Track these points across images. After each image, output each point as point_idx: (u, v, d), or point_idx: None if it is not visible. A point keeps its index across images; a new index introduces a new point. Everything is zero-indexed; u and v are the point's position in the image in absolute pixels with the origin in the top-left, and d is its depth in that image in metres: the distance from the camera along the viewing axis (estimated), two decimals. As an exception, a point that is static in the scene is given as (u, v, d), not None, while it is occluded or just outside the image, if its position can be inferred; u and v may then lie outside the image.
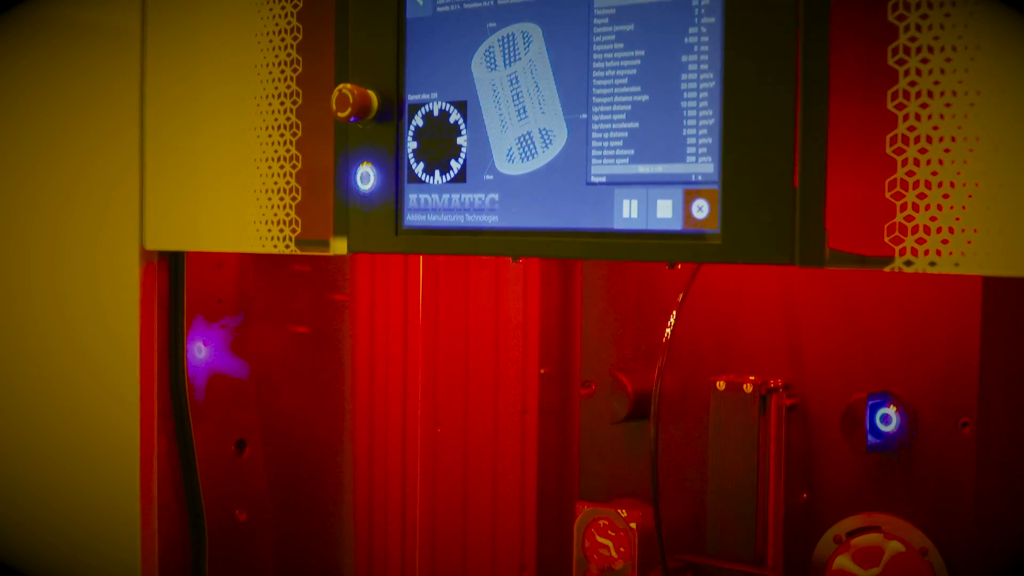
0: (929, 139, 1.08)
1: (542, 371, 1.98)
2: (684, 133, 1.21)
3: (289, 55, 1.48)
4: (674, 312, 1.48)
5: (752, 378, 1.50)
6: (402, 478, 1.91)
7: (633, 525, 1.57)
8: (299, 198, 1.47)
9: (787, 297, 1.51)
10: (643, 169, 1.24)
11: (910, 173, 1.09)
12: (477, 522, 1.96)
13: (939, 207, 1.07)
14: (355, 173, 1.42)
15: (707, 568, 1.53)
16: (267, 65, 1.50)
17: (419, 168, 1.37)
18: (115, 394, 1.67)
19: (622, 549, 1.58)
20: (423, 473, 1.89)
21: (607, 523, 1.60)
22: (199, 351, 1.71)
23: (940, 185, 1.07)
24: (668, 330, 1.48)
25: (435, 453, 1.91)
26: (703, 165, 1.20)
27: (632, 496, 1.63)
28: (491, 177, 1.33)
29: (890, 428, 1.42)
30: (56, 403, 1.75)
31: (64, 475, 1.75)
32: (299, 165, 1.47)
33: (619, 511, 1.58)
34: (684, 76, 1.21)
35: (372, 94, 1.38)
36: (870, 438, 1.42)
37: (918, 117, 1.08)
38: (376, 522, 1.95)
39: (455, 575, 1.95)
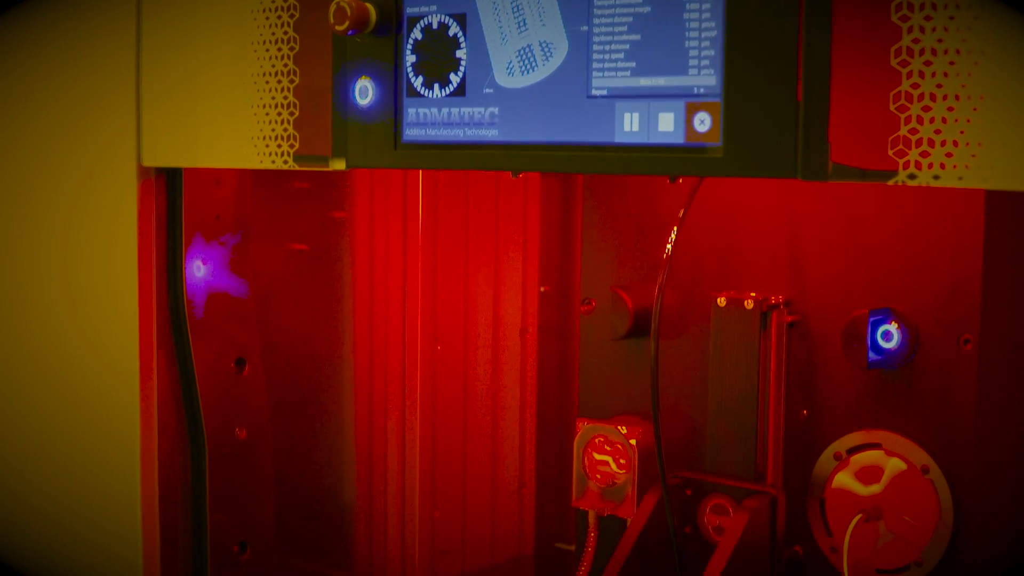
0: (934, 52, 1.06)
1: (542, 289, 1.98)
2: (686, 46, 1.20)
3: (286, -32, 1.47)
4: (675, 228, 1.47)
5: (753, 294, 1.49)
6: (402, 396, 1.91)
7: (633, 442, 1.57)
8: (297, 113, 1.46)
9: (789, 213, 1.50)
10: (644, 82, 1.22)
11: (915, 86, 1.07)
12: (477, 440, 1.97)
13: (943, 120, 1.06)
14: (353, 87, 1.40)
15: (707, 484, 1.53)
16: (264, -22, 1.48)
17: (418, 82, 1.36)
18: (114, 312, 1.66)
19: (622, 465, 1.58)
20: (423, 391, 1.89)
21: (607, 440, 1.60)
22: (198, 269, 1.70)
23: (944, 98, 1.06)
24: (669, 246, 1.47)
25: (435, 371, 1.91)
26: (705, 78, 1.19)
27: (632, 413, 1.63)
28: (491, 91, 1.32)
29: (891, 345, 1.42)
30: (53, 321, 1.75)
31: (63, 394, 1.74)
32: (297, 80, 1.46)
33: (619, 428, 1.58)
34: (686, -13, 1.20)
35: (370, 7, 1.36)
36: (871, 355, 1.42)
37: (922, 29, 1.07)
38: (376, 439, 1.95)
39: (455, 493, 1.95)
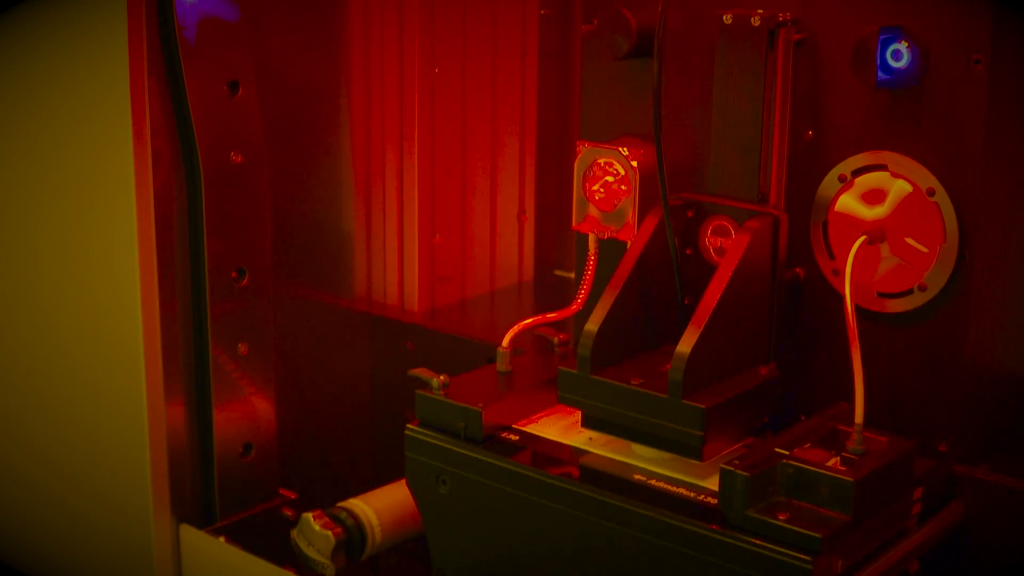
0: None
1: (542, 12, 1.94)
2: None
3: None
4: (681, -59, 1.43)
5: (760, 11, 1.45)
6: (399, 120, 1.89)
7: (635, 163, 1.55)
8: None
9: (799, -74, 1.46)
10: None
11: None
12: (476, 165, 1.96)
13: None
14: None
15: (708, 206, 1.52)
16: None
17: None
18: (103, 37, 1.63)
19: (623, 187, 1.57)
20: (421, 115, 1.87)
21: (608, 162, 1.57)
22: (188, -7, 1.67)
23: None
24: (674, -40, 1.43)
25: (433, 97, 1.88)
26: None
27: (634, 135, 1.60)
28: None
29: (901, 64, 1.39)
30: (42, 59, 1.71)
31: (55, 137, 1.72)
32: None
33: (620, 149, 1.56)
34: None
35: None
36: (880, 74, 1.39)
37: None
38: (374, 164, 1.94)
39: (454, 219, 1.95)
